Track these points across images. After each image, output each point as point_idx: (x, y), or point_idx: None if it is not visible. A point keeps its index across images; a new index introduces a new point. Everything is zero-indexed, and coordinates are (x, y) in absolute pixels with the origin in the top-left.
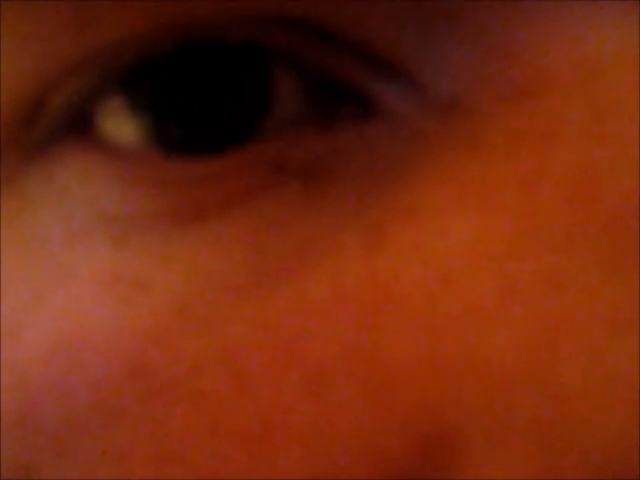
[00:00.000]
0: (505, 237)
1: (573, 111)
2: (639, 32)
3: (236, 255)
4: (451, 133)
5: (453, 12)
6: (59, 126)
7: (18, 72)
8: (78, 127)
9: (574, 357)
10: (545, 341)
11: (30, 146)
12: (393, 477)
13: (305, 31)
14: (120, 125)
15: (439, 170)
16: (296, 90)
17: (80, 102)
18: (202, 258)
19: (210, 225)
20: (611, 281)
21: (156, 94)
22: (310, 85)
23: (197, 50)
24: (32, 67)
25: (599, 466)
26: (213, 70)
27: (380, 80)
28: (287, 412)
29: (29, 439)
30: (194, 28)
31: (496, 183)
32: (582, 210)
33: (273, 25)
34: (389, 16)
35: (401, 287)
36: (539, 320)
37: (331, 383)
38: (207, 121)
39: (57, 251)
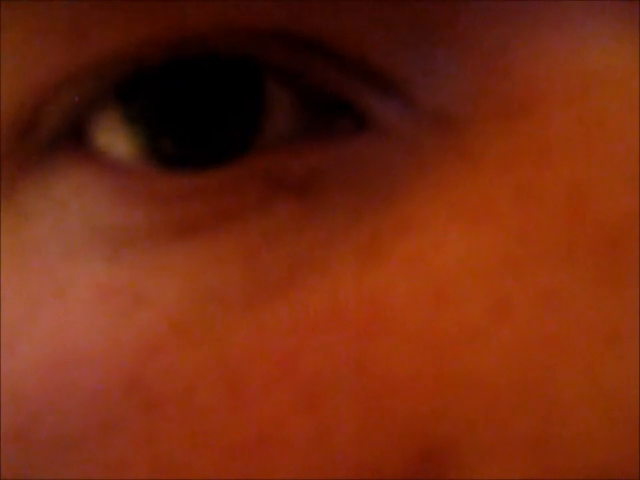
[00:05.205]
0: (499, 253)
1: (566, 126)
2: (638, 45)
3: (231, 269)
4: (445, 147)
5: (447, 27)
6: (54, 139)
7: (14, 83)
8: (73, 141)
9: (571, 374)
10: (541, 358)
11: (26, 159)
12: None
13: (300, 46)
14: (114, 139)
15: (433, 184)
16: (290, 104)
17: (75, 114)
18: (197, 272)
19: (205, 239)
20: (607, 297)
21: (150, 108)
22: (304, 99)
23: (192, 64)
24: (28, 78)
25: (597, 478)
26: (208, 84)
27: (374, 94)
28: (282, 425)
29: (25, 452)
30: (189, 42)
31: (490, 198)
32: (576, 226)
33: (268, 40)
34: (384, 31)
35: (394, 302)
36: (534, 337)
37: (326, 397)
38: (202, 135)
39: (53, 265)
